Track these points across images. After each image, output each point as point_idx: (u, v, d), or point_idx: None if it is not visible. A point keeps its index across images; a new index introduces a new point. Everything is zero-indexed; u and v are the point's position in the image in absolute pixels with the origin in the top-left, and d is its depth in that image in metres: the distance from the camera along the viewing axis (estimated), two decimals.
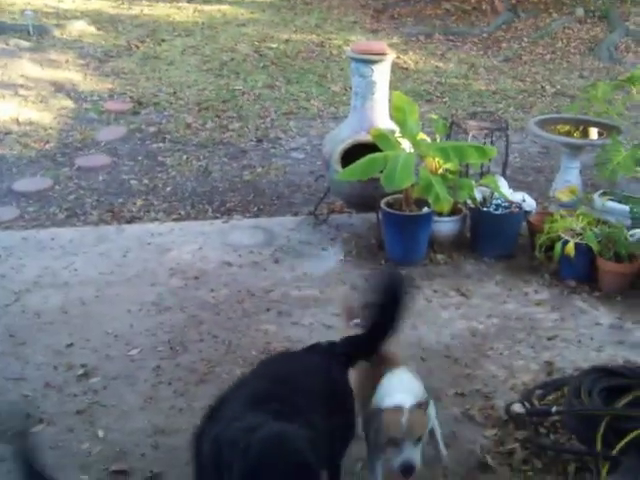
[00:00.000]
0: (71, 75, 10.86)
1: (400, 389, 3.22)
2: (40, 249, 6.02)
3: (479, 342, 4.78)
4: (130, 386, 4.34)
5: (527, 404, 4.03)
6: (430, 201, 5.43)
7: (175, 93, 10.28)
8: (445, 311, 5.14)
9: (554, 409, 3.92)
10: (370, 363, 3.49)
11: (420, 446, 3.00)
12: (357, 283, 5.43)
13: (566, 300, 5.33)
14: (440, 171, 5.76)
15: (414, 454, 2.94)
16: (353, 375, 3.47)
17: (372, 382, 3.38)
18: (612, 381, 3.88)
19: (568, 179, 6.52)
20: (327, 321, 4.90)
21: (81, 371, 4.46)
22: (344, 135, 6.22)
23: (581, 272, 5.49)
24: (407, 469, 2.92)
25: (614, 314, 5.15)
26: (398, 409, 3.00)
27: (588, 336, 4.89)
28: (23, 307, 5.20)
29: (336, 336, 4.60)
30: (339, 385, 3.24)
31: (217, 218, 6.77)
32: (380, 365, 3.45)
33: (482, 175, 6.37)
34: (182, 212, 6.97)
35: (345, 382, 3.32)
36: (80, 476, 3.65)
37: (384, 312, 3.38)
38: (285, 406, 2.74)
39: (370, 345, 3.44)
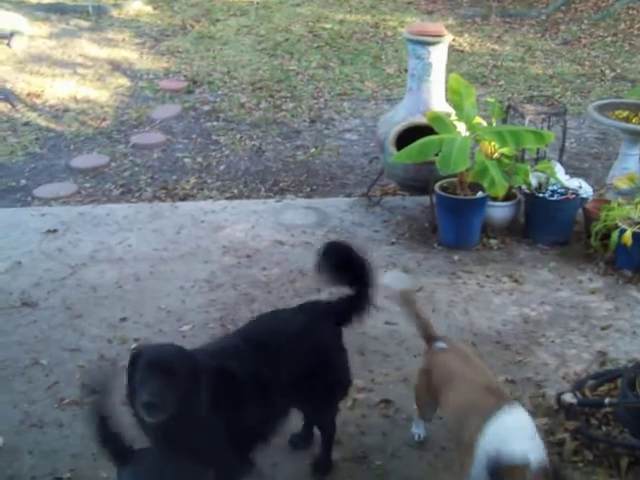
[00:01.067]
0: (127, 54, 10.98)
1: (521, 437, 2.81)
2: (96, 224, 6.12)
3: (531, 329, 4.73)
4: None
5: (579, 394, 3.97)
6: (485, 185, 5.38)
7: (229, 72, 10.32)
8: (497, 297, 5.09)
9: (607, 400, 3.86)
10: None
11: None
12: (409, 266, 5.42)
13: (621, 290, 5.23)
14: (495, 155, 5.70)
15: None
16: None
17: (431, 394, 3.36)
18: None
19: (627, 166, 6.38)
20: (378, 302, 4.87)
21: (134, 345, 4.53)
22: (399, 117, 6.18)
23: (638, 262, 5.39)
24: None
25: None
26: (523, 466, 2.63)
27: None
28: (79, 281, 5.30)
29: (387, 318, 4.70)
30: (323, 344, 3.33)
31: (270, 197, 6.81)
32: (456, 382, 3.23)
33: (538, 160, 6.27)
34: (235, 191, 7.02)
35: (332, 341, 3.43)
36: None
37: (354, 276, 3.50)
38: (240, 362, 2.94)
39: (358, 306, 3.51)
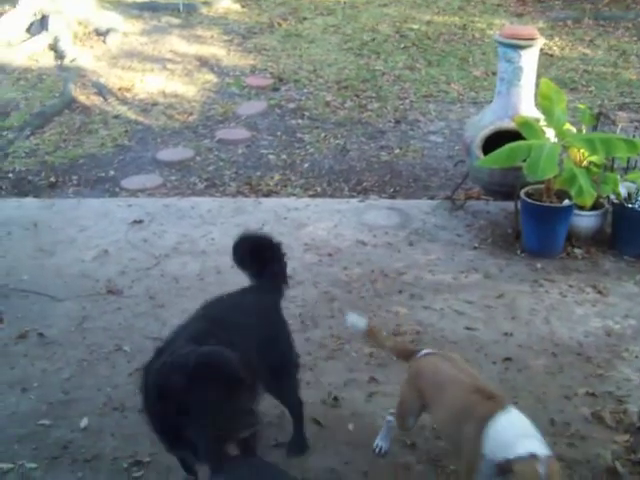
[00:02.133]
0: (215, 50, 11.16)
1: (523, 434, 2.80)
2: (180, 217, 6.24)
3: (614, 342, 4.62)
4: None
5: None
6: (572, 194, 5.27)
7: (315, 71, 10.38)
8: (580, 307, 4.98)
9: None
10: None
11: None
12: (490, 271, 5.36)
13: None
14: (584, 163, 5.58)
15: None
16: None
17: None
18: None
19: None
20: (458, 307, 4.86)
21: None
22: (487, 121, 6.12)
23: None
24: None
25: None
26: (533, 459, 2.61)
27: None
28: (162, 271, 5.42)
29: (467, 324, 4.67)
30: (271, 318, 3.54)
31: (353, 197, 6.83)
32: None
33: (628, 170, 6.11)
34: (318, 189, 7.07)
35: (277, 314, 3.64)
36: None
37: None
38: (222, 342, 2.90)
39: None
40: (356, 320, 3.61)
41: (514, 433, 2.79)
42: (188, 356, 2.69)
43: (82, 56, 10.50)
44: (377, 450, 3.62)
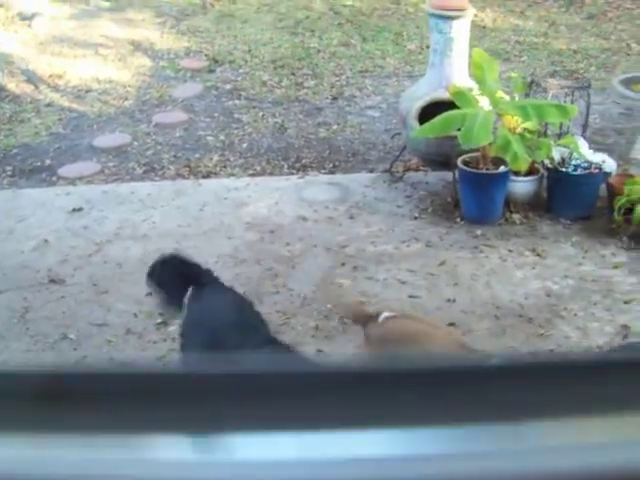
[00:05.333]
0: (148, 34, 10.97)
1: None
2: (120, 202, 6.18)
3: (553, 302, 4.74)
4: None
5: None
6: (507, 160, 5.37)
7: (250, 51, 10.30)
8: (520, 271, 5.10)
9: None
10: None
11: None
12: (431, 240, 5.45)
13: None
14: (518, 130, 5.67)
15: None
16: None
17: None
18: None
19: None
20: (401, 276, 4.93)
21: (160, 319, 4.60)
22: (422, 92, 6.18)
23: None
24: None
25: None
26: None
27: None
28: (105, 257, 5.37)
29: (410, 292, 4.73)
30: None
31: (293, 174, 6.83)
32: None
33: (561, 136, 6.24)
34: (258, 168, 7.05)
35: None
36: None
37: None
38: None
39: None
40: None
41: None
42: None
43: (6, 42, 10.21)
44: None
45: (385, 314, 3.42)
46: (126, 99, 8.79)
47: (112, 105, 8.63)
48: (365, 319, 3.46)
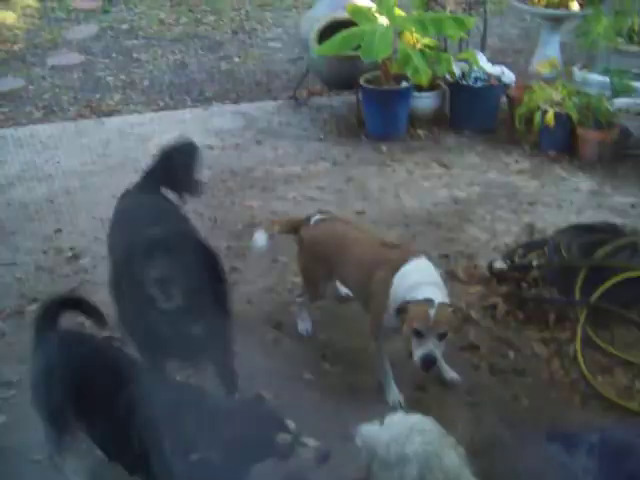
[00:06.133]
0: None
1: (427, 281, 2.96)
2: (20, 146, 5.98)
3: (461, 208, 4.86)
4: None
5: (509, 261, 4.12)
6: (408, 74, 5.42)
7: None
8: (427, 181, 5.19)
9: (535, 263, 4.02)
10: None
11: (443, 343, 2.88)
12: (338, 159, 5.48)
13: (546, 169, 5.39)
14: (418, 47, 5.72)
15: (436, 349, 2.83)
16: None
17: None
18: (591, 237, 3.97)
19: (548, 53, 6.50)
20: (310, 194, 4.96)
21: (70, 253, 4.51)
22: (321, 13, 6.14)
23: (561, 142, 5.53)
24: (428, 362, 2.83)
25: (594, 180, 5.22)
26: (428, 302, 2.82)
27: (568, 201, 4.97)
28: (9, 200, 5.21)
29: (320, 207, 4.75)
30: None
31: (196, 107, 6.73)
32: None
33: (461, 51, 6.32)
34: (161, 103, 6.92)
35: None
36: None
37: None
38: None
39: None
40: (261, 240, 3.54)
41: (417, 279, 2.95)
42: None
43: None
44: (304, 333, 3.66)
45: (316, 217, 3.48)
46: (15, 43, 8.46)
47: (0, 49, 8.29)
48: (297, 225, 3.51)
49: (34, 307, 4.00)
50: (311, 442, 2.19)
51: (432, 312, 2.79)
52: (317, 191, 4.94)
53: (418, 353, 2.83)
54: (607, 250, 3.82)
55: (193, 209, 4.79)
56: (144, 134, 6.02)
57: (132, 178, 5.22)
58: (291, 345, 3.60)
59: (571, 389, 3.28)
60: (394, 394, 3.21)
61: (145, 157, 5.56)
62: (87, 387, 2.37)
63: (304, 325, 3.69)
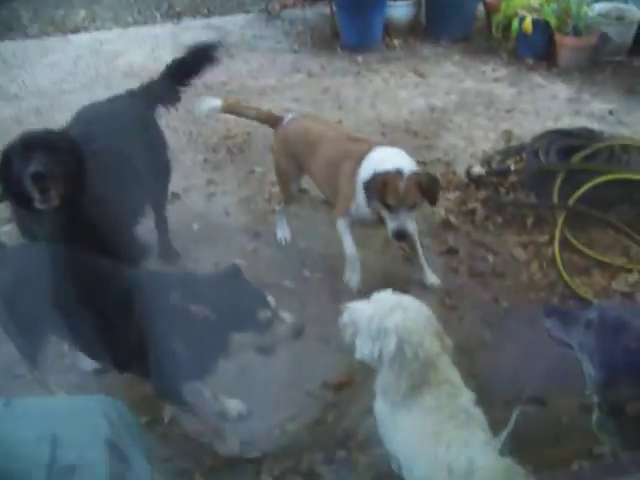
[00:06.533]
0: None
1: (394, 158, 2.96)
2: None
3: (438, 116, 4.80)
4: None
5: (487, 167, 4.11)
6: None
7: None
8: (403, 90, 5.12)
9: (513, 167, 4.01)
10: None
11: (414, 215, 2.92)
12: (313, 70, 5.39)
13: (524, 77, 5.33)
14: None
15: (408, 221, 2.88)
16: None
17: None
18: (569, 141, 3.95)
19: None
20: (286, 105, 4.87)
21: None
22: None
23: (539, 49, 5.46)
24: (400, 235, 2.89)
25: (571, 88, 5.17)
26: (398, 174, 2.82)
27: (546, 108, 4.93)
28: None
29: None
30: (146, 123, 3.34)
31: (166, 22, 6.56)
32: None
33: None
34: (130, 19, 6.72)
35: (152, 120, 3.44)
36: None
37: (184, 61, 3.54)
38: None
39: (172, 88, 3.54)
40: (209, 103, 3.54)
41: (387, 155, 2.96)
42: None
43: None
44: (283, 242, 3.66)
45: (289, 116, 3.46)
46: None
47: None
48: (273, 121, 3.47)
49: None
50: (287, 317, 2.27)
51: (402, 184, 2.80)
52: (292, 102, 4.86)
53: (390, 226, 2.87)
54: (585, 154, 3.81)
55: (167, 124, 4.73)
56: (114, 51, 5.87)
57: (103, 95, 5.14)
58: (270, 254, 3.59)
59: (549, 290, 3.31)
60: (355, 277, 3.24)
61: (116, 74, 5.49)
62: (60, 293, 2.34)
63: (282, 233, 3.69)
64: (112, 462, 1.48)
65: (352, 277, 3.25)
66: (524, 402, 2.43)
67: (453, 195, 3.98)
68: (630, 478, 1.88)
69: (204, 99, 3.55)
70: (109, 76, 5.49)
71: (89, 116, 3.16)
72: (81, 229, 2.57)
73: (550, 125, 4.63)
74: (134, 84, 5.24)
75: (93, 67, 5.65)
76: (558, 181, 3.70)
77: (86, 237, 2.52)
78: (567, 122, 4.71)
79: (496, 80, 5.26)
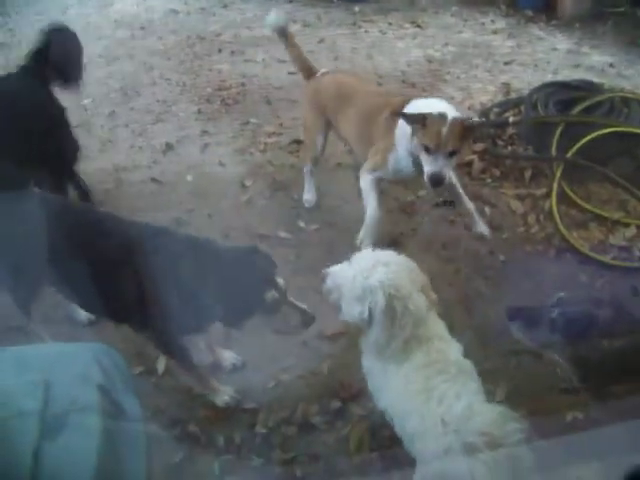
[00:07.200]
0: None
1: (439, 104, 2.82)
2: None
3: (436, 68, 4.73)
4: (87, 132, 4.25)
5: (484, 119, 4.05)
6: None
7: None
8: (400, 41, 5.04)
9: (511, 119, 3.96)
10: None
11: (453, 163, 2.77)
12: (309, 20, 5.30)
13: (523, 28, 5.26)
14: None
15: (446, 166, 2.73)
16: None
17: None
18: (568, 94, 3.89)
19: None
20: (280, 56, 4.78)
21: None
22: None
23: (538, 0, 5.37)
24: (436, 179, 2.73)
25: (571, 40, 5.10)
26: (442, 117, 2.67)
27: (545, 60, 4.86)
28: None
29: (289, 69, 4.62)
30: (40, 103, 3.09)
31: None
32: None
33: None
34: None
35: (49, 98, 3.14)
36: None
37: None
38: None
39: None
40: (279, 18, 3.37)
41: (430, 103, 2.83)
42: None
43: None
44: (307, 205, 3.55)
45: (322, 70, 3.39)
46: None
47: None
48: (309, 72, 3.39)
49: None
50: (298, 303, 2.22)
51: (444, 129, 2.66)
52: (286, 53, 4.77)
53: (427, 170, 2.74)
54: (584, 106, 3.76)
55: (160, 75, 4.67)
56: None
57: (95, 46, 5.10)
58: (265, 205, 3.54)
59: (546, 243, 3.27)
60: (369, 239, 3.08)
61: (108, 23, 5.39)
62: (57, 243, 2.30)
63: (309, 195, 3.57)
64: (104, 408, 1.46)
65: (366, 238, 3.08)
66: (519, 353, 2.43)
67: None
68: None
69: (277, 11, 3.40)
70: (99, 25, 5.40)
71: None
72: None
73: (549, 78, 4.57)
74: (124, 34, 5.25)
75: (83, 16, 5.54)
76: (557, 134, 3.65)
77: None
78: (567, 75, 4.66)
79: (495, 32, 5.19)
